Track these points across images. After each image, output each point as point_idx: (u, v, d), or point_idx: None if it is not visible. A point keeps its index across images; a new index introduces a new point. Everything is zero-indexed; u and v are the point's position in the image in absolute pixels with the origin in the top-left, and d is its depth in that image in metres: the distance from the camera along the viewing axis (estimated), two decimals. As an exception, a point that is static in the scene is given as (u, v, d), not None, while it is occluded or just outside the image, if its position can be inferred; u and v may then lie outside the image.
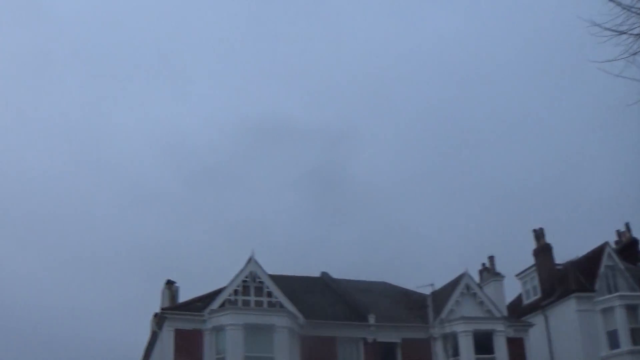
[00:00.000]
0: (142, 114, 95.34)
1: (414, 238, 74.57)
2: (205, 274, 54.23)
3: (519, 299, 44.33)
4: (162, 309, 34.25)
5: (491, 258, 39.88)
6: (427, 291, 36.86)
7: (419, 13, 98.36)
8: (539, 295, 41.75)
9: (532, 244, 42.55)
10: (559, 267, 41.44)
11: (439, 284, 37.29)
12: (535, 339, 37.56)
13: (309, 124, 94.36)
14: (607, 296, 37.77)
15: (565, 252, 44.22)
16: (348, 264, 63.90)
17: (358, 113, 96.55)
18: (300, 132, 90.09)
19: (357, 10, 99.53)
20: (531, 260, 42.79)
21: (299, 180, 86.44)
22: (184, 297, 35.50)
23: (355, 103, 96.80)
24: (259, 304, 33.87)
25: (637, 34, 11.42)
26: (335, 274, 40.34)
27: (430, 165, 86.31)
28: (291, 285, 36.22)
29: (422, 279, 40.77)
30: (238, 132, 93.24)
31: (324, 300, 37.29)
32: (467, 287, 36.35)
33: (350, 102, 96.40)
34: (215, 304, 33.31)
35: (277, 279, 34.92)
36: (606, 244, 40.50)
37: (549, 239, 41.99)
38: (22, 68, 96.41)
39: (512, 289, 43.55)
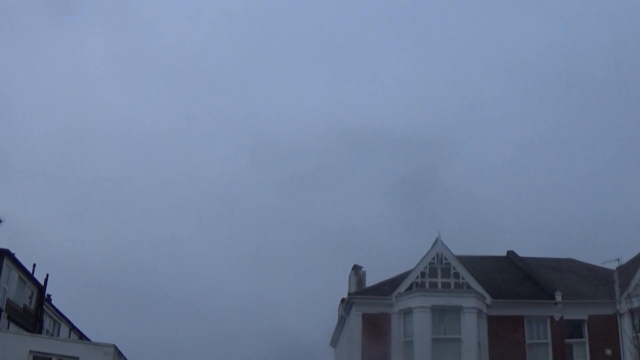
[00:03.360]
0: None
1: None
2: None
3: None
4: (350, 293, 35.61)
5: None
6: (613, 266, 36.24)
7: (513, 17, 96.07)
8: None
9: None
10: None
11: (625, 259, 36.25)
12: None
13: (399, 130, 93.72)
14: None
15: None
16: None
17: (450, 120, 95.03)
18: (392, 140, 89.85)
19: (448, 15, 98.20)
20: None
21: (390, 188, 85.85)
22: (370, 281, 36.87)
23: (448, 110, 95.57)
24: (445, 285, 34.45)
25: None
26: (521, 252, 40.59)
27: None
28: (477, 265, 36.37)
29: (608, 255, 39.75)
30: (329, 139, 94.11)
31: (510, 279, 37.54)
32: (656, 260, 35.17)
33: (443, 109, 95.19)
34: (403, 287, 34.24)
35: (463, 260, 35.30)
36: None
37: None
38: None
39: None
